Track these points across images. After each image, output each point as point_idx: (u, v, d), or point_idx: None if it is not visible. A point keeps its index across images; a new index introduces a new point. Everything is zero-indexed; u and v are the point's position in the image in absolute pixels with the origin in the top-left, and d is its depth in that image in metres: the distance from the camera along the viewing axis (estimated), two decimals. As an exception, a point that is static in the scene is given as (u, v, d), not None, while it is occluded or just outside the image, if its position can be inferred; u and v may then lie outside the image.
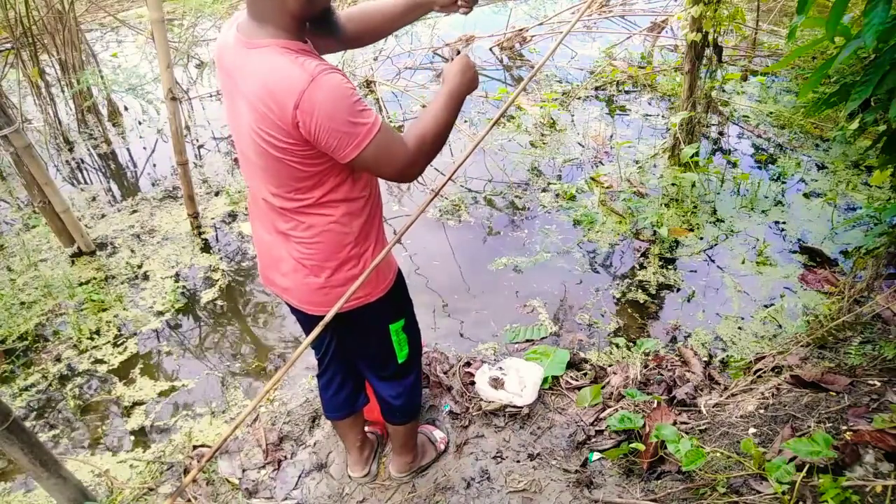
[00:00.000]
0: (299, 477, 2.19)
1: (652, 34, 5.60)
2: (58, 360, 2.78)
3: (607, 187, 3.68)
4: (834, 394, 2.01)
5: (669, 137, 3.91)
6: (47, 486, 1.61)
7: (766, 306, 2.83)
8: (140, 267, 3.31)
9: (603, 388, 2.37)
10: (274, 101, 1.22)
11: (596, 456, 2.13)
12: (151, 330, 2.93)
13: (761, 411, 2.07)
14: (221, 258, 3.36)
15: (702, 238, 3.28)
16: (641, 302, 2.93)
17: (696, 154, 3.60)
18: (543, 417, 2.31)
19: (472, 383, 2.43)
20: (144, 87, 4.84)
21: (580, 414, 2.30)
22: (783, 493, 1.62)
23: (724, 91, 4.57)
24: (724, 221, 3.39)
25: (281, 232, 1.48)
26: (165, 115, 4.49)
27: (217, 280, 3.21)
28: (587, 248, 3.29)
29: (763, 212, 3.44)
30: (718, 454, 1.92)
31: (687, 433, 2.06)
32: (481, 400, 2.36)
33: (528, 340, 2.74)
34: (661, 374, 2.43)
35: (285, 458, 2.26)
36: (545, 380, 2.42)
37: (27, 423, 2.28)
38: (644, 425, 2.10)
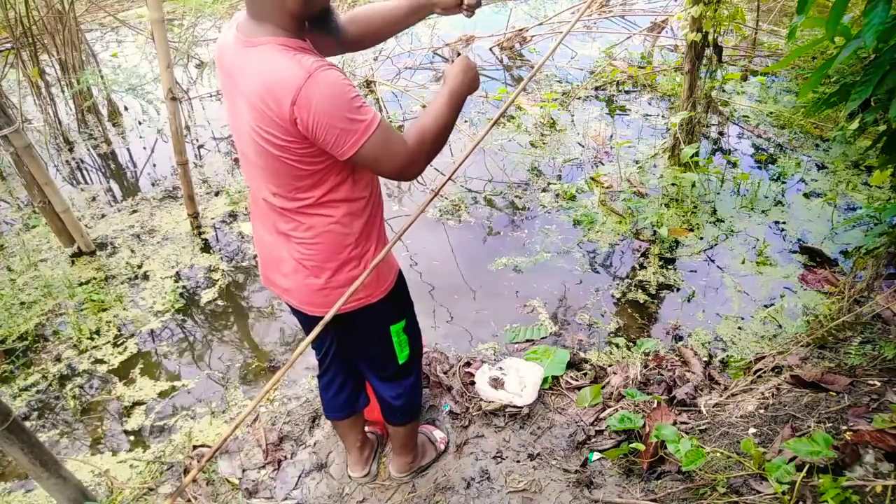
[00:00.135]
0: (299, 477, 2.19)
1: (652, 34, 5.60)
2: (58, 360, 2.78)
3: (607, 187, 3.68)
4: (834, 394, 2.01)
5: (669, 137, 3.91)
6: (47, 486, 1.61)
7: (766, 306, 2.83)
8: (140, 267, 3.31)
9: (603, 388, 2.37)
10: (272, 98, 1.22)
11: (596, 456, 2.13)
12: (151, 330, 2.93)
13: (761, 411, 2.07)
14: (221, 258, 3.36)
15: (702, 238, 3.28)
16: (641, 302, 2.93)
17: (696, 154, 3.60)
18: (543, 417, 2.31)
19: (472, 383, 2.43)
20: (144, 87, 4.84)
21: (580, 414, 2.30)
22: (783, 493, 1.62)
23: (724, 91, 4.57)
24: (724, 221, 3.39)
25: (282, 233, 1.48)
26: (165, 115, 4.48)
27: (217, 280, 3.21)
28: (587, 248, 3.29)
29: (763, 212, 3.44)
30: (718, 454, 1.92)
31: (687, 433, 2.06)
32: (481, 400, 2.36)
33: (528, 340, 2.75)
34: (661, 374, 2.43)
35: (285, 458, 2.26)
36: (545, 380, 2.42)
37: (27, 423, 2.28)
38: (644, 425, 2.10)
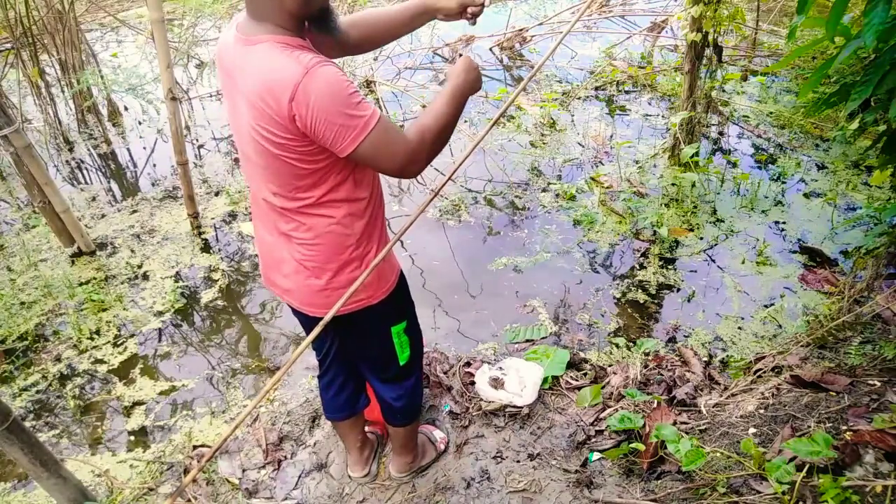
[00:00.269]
0: (299, 477, 2.19)
1: (652, 34, 5.60)
2: (58, 360, 2.78)
3: (607, 187, 3.68)
4: (834, 394, 2.01)
5: (669, 137, 3.91)
6: (47, 486, 1.61)
7: (766, 306, 2.83)
8: (140, 267, 3.31)
9: (603, 388, 2.37)
10: (270, 95, 1.22)
11: (596, 456, 2.13)
12: (151, 330, 2.93)
13: (761, 411, 2.07)
14: (221, 258, 3.37)
15: (702, 238, 3.28)
16: (641, 302, 2.93)
17: (696, 154, 3.60)
18: (543, 417, 2.31)
19: (472, 383, 2.43)
20: (144, 87, 4.84)
21: (580, 414, 2.30)
22: (783, 493, 1.62)
23: (724, 91, 4.57)
24: (724, 221, 3.39)
25: (283, 233, 1.48)
26: (165, 115, 4.49)
27: (217, 280, 3.21)
28: (587, 248, 3.29)
29: (763, 212, 3.44)
30: (718, 454, 1.92)
31: (687, 433, 2.06)
32: (481, 400, 2.36)
33: (528, 340, 2.75)
34: (661, 374, 2.43)
35: (285, 458, 2.26)
36: (545, 380, 2.42)
37: (27, 423, 2.28)
38: (644, 425, 2.10)
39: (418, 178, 4.01)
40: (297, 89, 1.19)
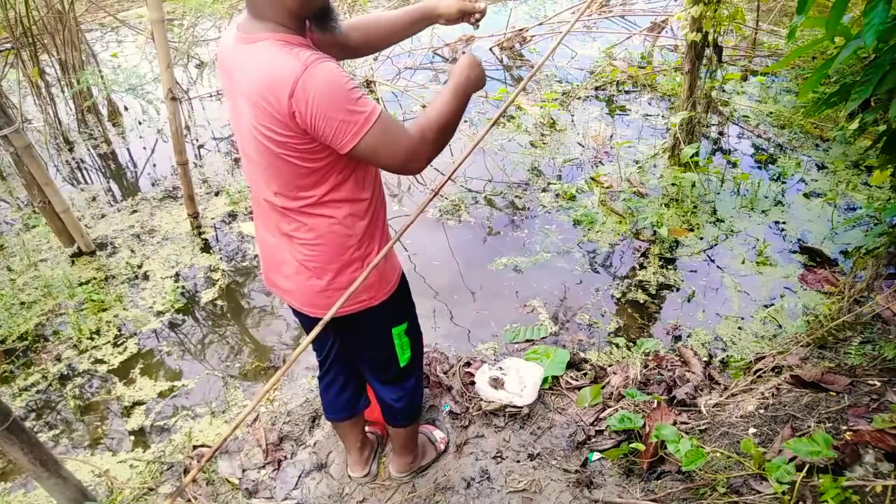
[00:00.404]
0: (299, 477, 2.19)
1: (652, 34, 5.60)
2: (58, 360, 2.78)
3: (607, 187, 3.68)
4: (834, 394, 2.01)
5: (669, 137, 3.91)
6: (47, 486, 1.61)
7: (766, 306, 2.83)
8: (140, 267, 3.31)
9: (603, 388, 2.37)
10: (270, 93, 1.21)
11: (596, 456, 2.13)
12: (151, 330, 2.93)
13: (761, 411, 2.07)
14: (221, 258, 3.36)
15: (702, 238, 3.28)
16: (641, 302, 2.93)
17: (696, 154, 3.60)
18: (543, 417, 2.31)
19: (472, 383, 2.43)
20: (144, 87, 4.84)
21: (580, 414, 2.30)
22: (783, 493, 1.62)
23: (724, 91, 4.57)
24: (724, 221, 3.39)
25: (284, 234, 1.47)
26: (165, 115, 4.49)
27: (217, 280, 3.21)
28: (587, 248, 3.29)
29: (763, 212, 3.44)
30: (718, 454, 1.92)
31: (687, 433, 2.06)
32: (481, 400, 2.36)
33: (528, 340, 2.74)
34: (661, 374, 2.43)
35: (285, 458, 2.26)
36: (545, 380, 2.42)
37: (27, 423, 2.28)
38: (644, 425, 2.10)
39: (418, 177, 4.01)
40: (297, 86, 1.19)
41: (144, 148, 4.54)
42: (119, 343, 2.85)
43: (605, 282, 3.06)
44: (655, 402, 2.21)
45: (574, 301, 2.96)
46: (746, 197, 3.53)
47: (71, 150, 4.50)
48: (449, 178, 1.57)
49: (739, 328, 2.73)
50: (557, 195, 3.69)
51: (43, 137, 4.55)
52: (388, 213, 3.59)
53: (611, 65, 5.11)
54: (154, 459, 2.30)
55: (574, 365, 2.54)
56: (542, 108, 4.51)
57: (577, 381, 2.45)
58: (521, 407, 2.31)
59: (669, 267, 3.11)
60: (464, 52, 1.53)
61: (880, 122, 2.56)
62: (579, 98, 4.79)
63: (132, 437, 2.43)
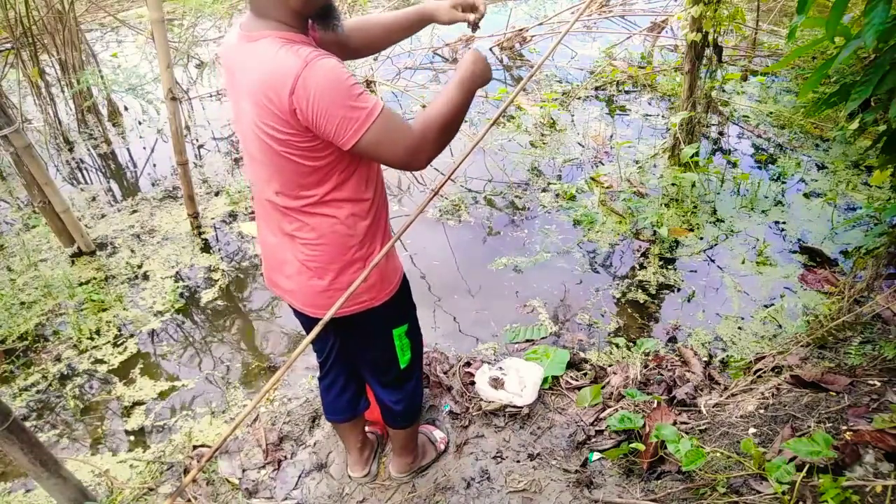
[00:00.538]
0: (299, 477, 2.19)
1: (652, 34, 5.60)
2: (58, 360, 2.78)
3: (607, 187, 3.68)
4: (834, 394, 2.01)
5: (669, 137, 3.91)
6: (47, 486, 1.61)
7: (766, 306, 2.83)
8: (140, 267, 3.31)
9: (603, 388, 2.37)
10: (271, 90, 1.21)
11: (596, 456, 2.13)
12: (151, 330, 2.93)
13: (761, 411, 2.07)
14: (221, 258, 3.37)
15: (702, 238, 3.28)
16: (641, 302, 2.93)
17: (696, 154, 3.60)
18: (543, 417, 2.31)
19: (472, 383, 2.43)
20: (144, 87, 4.84)
21: (580, 414, 2.30)
22: (783, 493, 1.62)
23: (724, 91, 4.57)
24: (724, 221, 3.39)
25: (286, 234, 1.47)
26: (165, 115, 4.49)
27: (217, 280, 3.21)
28: (587, 248, 3.29)
29: (763, 212, 3.44)
30: (718, 454, 1.92)
31: (687, 433, 2.06)
32: (481, 400, 2.36)
33: (528, 340, 2.74)
34: (661, 374, 2.43)
35: (285, 458, 2.26)
36: (545, 380, 2.42)
37: (27, 423, 2.28)
38: (644, 425, 2.10)
39: (418, 178, 4.01)
40: (297, 82, 1.19)
41: (144, 148, 4.55)
42: (119, 343, 2.85)
43: (605, 282, 3.06)
44: (655, 402, 2.21)
45: (574, 301, 2.96)
46: (746, 197, 3.53)
47: (71, 150, 4.50)
48: (448, 177, 1.57)
49: (739, 328, 2.73)
50: (557, 195, 3.69)
51: (43, 137, 4.55)
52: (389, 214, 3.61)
53: (611, 65, 5.11)
54: (154, 459, 2.30)
55: (574, 365, 2.54)
56: (542, 108, 4.51)
57: (577, 381, 2.45)
58: (521, 407, 2.31)
59: (669, 267, 3.11)
60: (471, 49, 1.53)
61: (880, 122, 2.56)
62: (579, 98, 4.79)
63: (132, 437, 2.43)
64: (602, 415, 2.28)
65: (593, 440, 2.21)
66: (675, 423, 2.07)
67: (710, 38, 3.33)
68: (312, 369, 2.63)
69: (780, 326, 2.71)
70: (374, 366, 1.77)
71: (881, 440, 1.67)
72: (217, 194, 3.89)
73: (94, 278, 3.23)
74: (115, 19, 6.07)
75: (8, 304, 3.05)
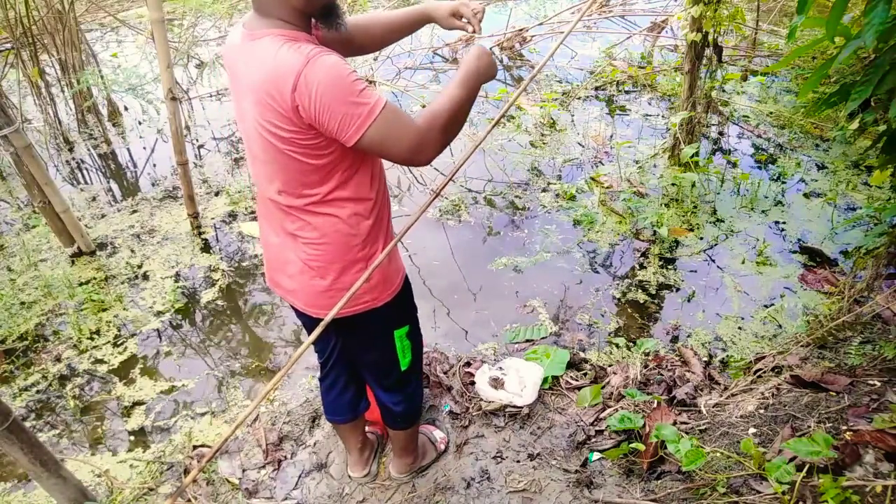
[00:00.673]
0: (299, 477, 2.19)
1: (652, 34, 5.60)
2: (58, 360, 2.78)
3: (607, 187, 3.68)
4: (834, 394, 2.01)
5: (669, 137, 3.91)
6: (47, 486, 1.61)
7: (766, 306, 2.83)
8: (140, 267, 3.31)
9: (603, 388, 2.37)
10: (273, 88, 1.22)
11: (596, 456, 2.13)
12: (151, 330, 2.93)
13: (761, 411, 2.07)
14: (221, 258, 3.36)
15: (702, 238, 3.28)
16: (641, 302, 2.93)
17: (696, 154, 3.60)
18: (543, 417, 2.31)
19: (472, 383, 2.43)
20: (144, 87, 4.84)
21: (580, 414, 2.30)
22: (783, 493, 1.62)
23: (724, 91, 4.57)
24: (724, 221, 3.39)
25: (289, 233, 1.47)
26: (165, 115, 4.49)
27: (217, 280, 3.21)
28: (587, 248, 3.29)
29: (763, 212, 3.44)
30: (718, 454, 1.92)
31: (687, 433, 2.06)
32: (481, 400, 2.36)
33: (528, 340, 2.75)
34: (661, 374, 2.43)
35: (285, 458, 2.26)
36: (545, 380, 2.42)
37: (27, 423, 2.28)
38: (644, 425, 2.10)
39: (418, 178, 4.01)
40: (299, 79, 1.19)
41: (144, 148, 4.54)
42: (119, 343, 2.85)
43: (605, 282, 3.06)
44: (655, 402, 2.21)
45: (574, 301, 2.96)
46: (746, 197, 3.53)
47: (71, 150, 4.50)
48: (450, 178, 1.57)
49: (739, 328, 2.73)
50: (557, 195, 3.69)
51: (43, 137, 4.55)
52: (388, 213, 3.61)
53: (611, 65, 5.11)
54: (154, 459, 2.31)
55: (574, 365, 2.54)
56: (542, 108, 4.51)
57: (577, 381, 2.45)
58: (521, 407, 2.31)
59: (669, 267, 3.11)
60: (476, 45, 1.53)
61: (880, 122, 2.56)
62: (579, 98, 4.79)
63: (132, 437, 2.43)
64: (602, 415, 2.28)
65: (593, 440, 2.21)
66: (675, 423, 2.07)
67: (710, 38, 3.33)
68: (312, 369, 2.63)
69: (780, 326, 2.71)
70: (374, 367, 1.77)
71: (881, 440, 1.67)
72: (217, 194, 3.89)
73: (94, 278, 3.23)
74: (115, 19, 6.07)
75: (8, 304, 3.05)
